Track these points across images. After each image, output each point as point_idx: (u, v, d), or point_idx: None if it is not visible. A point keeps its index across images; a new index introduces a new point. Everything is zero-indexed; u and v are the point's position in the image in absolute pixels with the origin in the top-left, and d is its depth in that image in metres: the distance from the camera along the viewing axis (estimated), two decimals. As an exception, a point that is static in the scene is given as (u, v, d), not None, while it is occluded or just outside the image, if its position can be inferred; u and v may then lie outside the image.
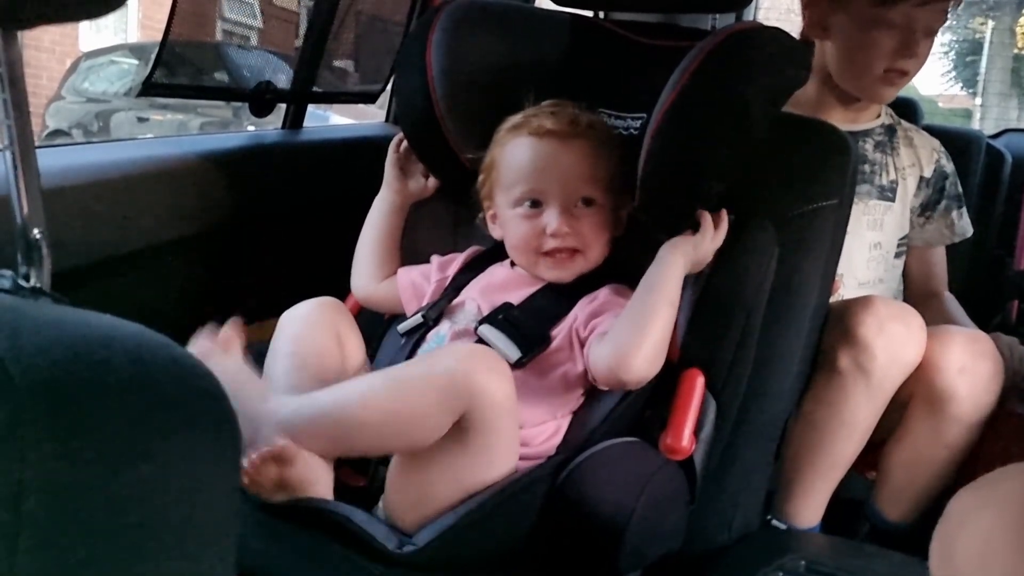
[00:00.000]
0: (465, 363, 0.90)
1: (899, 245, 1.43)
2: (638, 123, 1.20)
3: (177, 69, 1.42)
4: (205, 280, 1.38)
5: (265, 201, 1.47)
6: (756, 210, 1.07)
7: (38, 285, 0.62)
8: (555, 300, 1.08)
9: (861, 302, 1.18)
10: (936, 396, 1.18)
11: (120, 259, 1.21)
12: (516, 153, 1.11)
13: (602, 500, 0.90)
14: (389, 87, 1.79)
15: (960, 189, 1.48)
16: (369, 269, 1.25)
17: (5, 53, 0.59)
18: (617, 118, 1.23)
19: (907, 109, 1.62)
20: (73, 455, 0.37)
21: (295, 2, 1.76)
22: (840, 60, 1.37)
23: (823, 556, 1.01)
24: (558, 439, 1.02)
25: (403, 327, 1.15)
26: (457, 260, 1.20)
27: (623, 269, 1.10)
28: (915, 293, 1.47)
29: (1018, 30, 9.79)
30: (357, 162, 1.49)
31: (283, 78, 1.60)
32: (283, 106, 1.63)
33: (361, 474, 1.03)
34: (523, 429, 0.99)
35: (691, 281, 1.06)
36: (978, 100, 10.12)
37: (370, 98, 1.84)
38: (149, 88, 1.35)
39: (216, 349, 1.01)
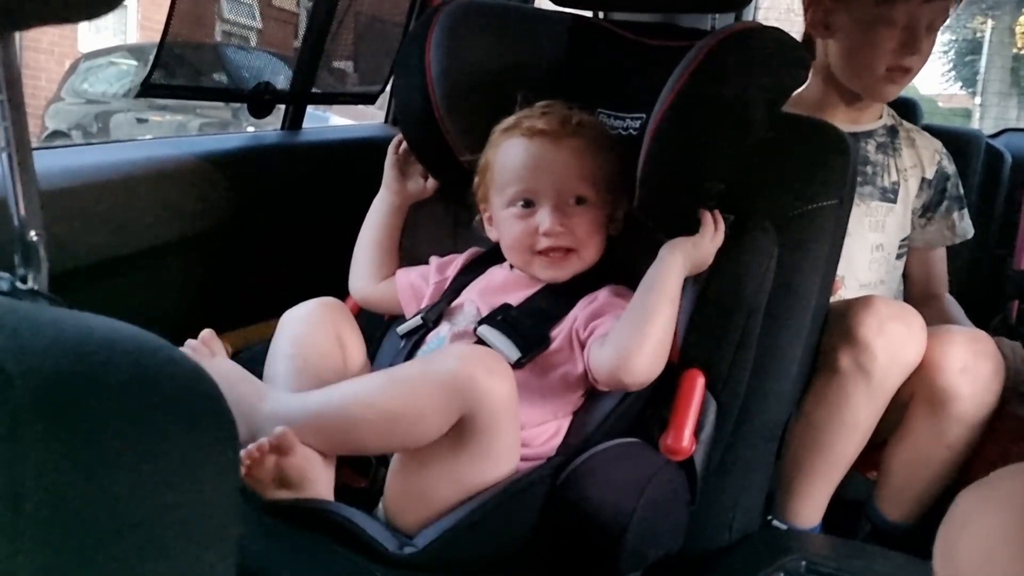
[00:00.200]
0: (466, 364, 0.89)
1: (900, 246, 1.43)
2: (637, 123, 1.20)
3: (176, 70, 1.42)
4: (204, 281, 1.38)
5: (264, 202, 1.47)
6: (756, 210, 1.07)
7: (36, 287, 0.61)
8: (554, 301, 1.08)
9: (861, 302, 1.18)
10: (938, 396, 1.18)
11: (118, 261, 1.21)
12: (509, 154, 1.11)
13: (602, 501, 0.90)
14: (388, 88, 1.79)
15: (961, 190, 1.48)
16: (368, 270, 1.25)
17: (1, 54, 0.59)
18: (616, 118, 1.23)
19: (906, 109, 1.62)
20: (73, 456, 0.37)
21: (294, 3, 1.76)
22: (843, 58, 1.37)
23: (824, 556, 1.01)
24: (558, 440, 1.02)
25: (402, 329, 1.15)
26: (456, 261, 1.20)
27: (622, 269, 1.10)
28: (915, 294, 1.47)
29: (1018, 29, 9.79)
30: (356, 163, 1.49)
31: (282, 79, 1.60)
32: (282, 107, 1.63)
33: (362, 475, 1.03)
34: (523, 430, 0.99)
35: (691, 281, 1.06)
36: (977, 100, 10.11)
37: (369, 99, 1.84)
38: (148, 89, 1.35)
39: (204, 351, 1.02)
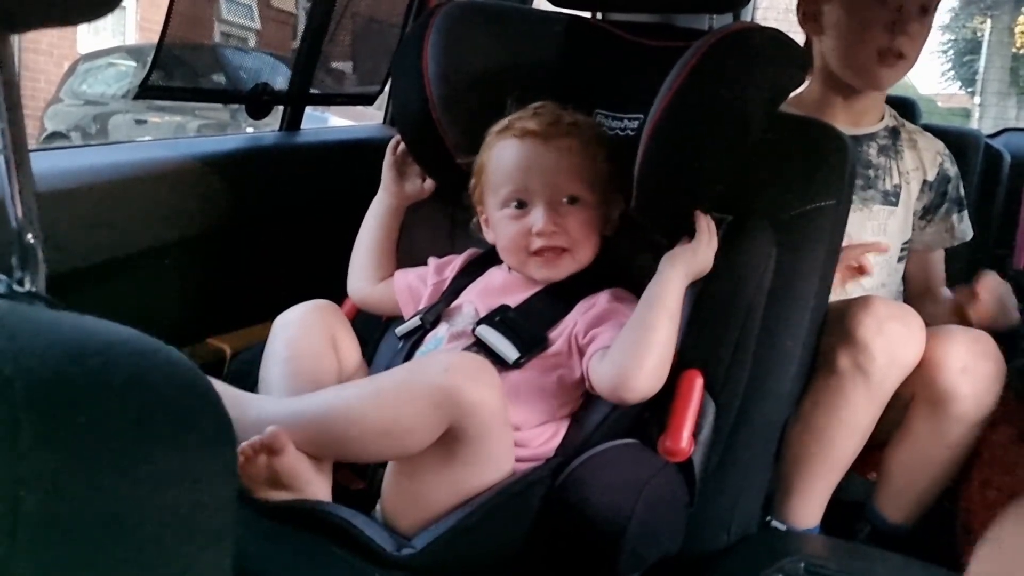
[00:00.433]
0: (452, 375, 0.89)
1: (902, 250, 1.43)
2: (635, 123, 1.20)
3: (174, 71, 1.42)
4: (203, 283, 1.37)
5: (262, 203, 1.47)
6: (754, 210, 1.06)
7: (33, 289, 0.61)
8: (553, 302, 1.08)
9: (860, 303, 1.18)
10: (938, 396, 1.18)
11: (117, 262, 1.20)
12: (502, 155, 1.11)
13: (601, 502, 0.90)
14: (387, 88, 1.79)
15: (962, 192, 1.47)
16: (366, 271, 1.25)
17: (-2, 56, 0.59)
18: (614, 119, 1.23)
19: (905, 108, 1.62)
20: (71, 458, 0.38)
21: (292, 4, 1.76)
22: (835, 48, 1.37)
23: (823, 558, 1.01)
24: (557, 441, 1.02)
25: (401, 330, 1.15)
26: (455, 263, 1.20)
27: (619, 269, 1.10)
28: (913, 295, 1.47)
29: (1016, 29, 9.80)
30: (354, 164, 1.49)
31: (280, 80, 1.60)
32: (281, 108, 1.63)
33: (360, 477, 1.03)
34: (522, 431, 0.99)
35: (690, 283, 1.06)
36: (977, 99, 10.12)
37: (367, 100, 1.84)
38: (146, 91, 1.35)
39: None
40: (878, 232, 1.39)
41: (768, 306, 1.05)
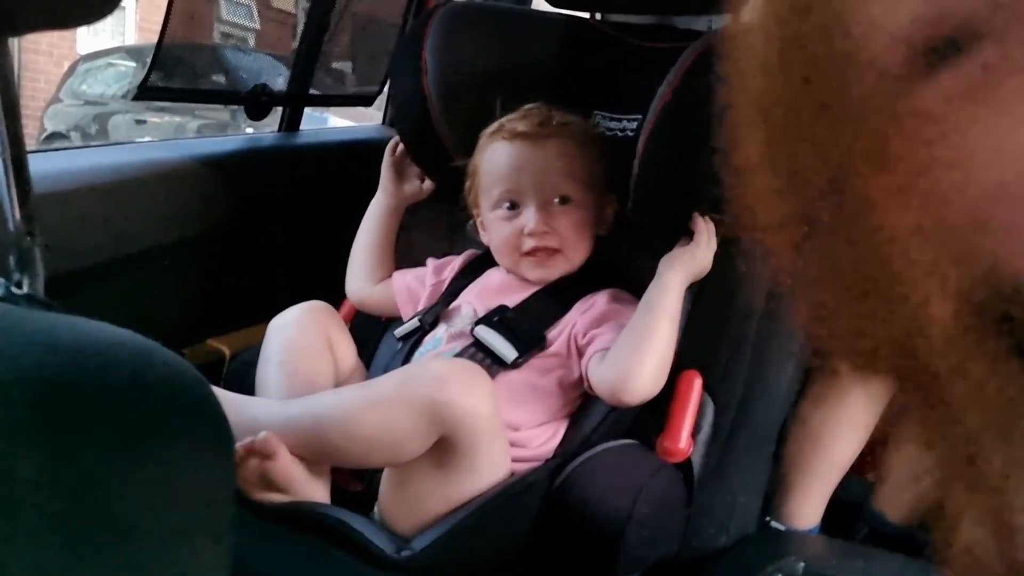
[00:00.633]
0: (444, 385, 0.89)
1: None
2: (635, 124, 1.20)
3: (173, 72, 1.41)
4: (202, 284, 1.37)
5: (261, 204, 1.47)
6: (753, 211, 1.06)
7: (31, 292, 0.61)
8: (551, 303, 1.08)
9: (859, 303, 1.18)
10: (936, 396, 1.18)
11: (115, 264, 1.20)
12: (494, 157, 1.11)
13: (599, 503, 0.90)
14: (386, 89, 1.79)
15: None
16: (364, 272, 1.25)
17: (-4, 58, 0.58)
18: (613, 120, 1.22)
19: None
20: (69, 460, 0.37)
21: (292, 4, 1.75)
22: None
23: (822, 558, 1.01)
24: (556, 442, 1.02)
25: (399, 331, 1.15)
26: (453, 264, 1.20)
27: (614, 269, 1.10)
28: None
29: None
30: (353, 165, 1.49)
31: (279, 81, 1.59)
32: (280, 109, 1.63)
33: (359, 479, 1.03)
34: (520, 431, 0.99)
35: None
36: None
37: (366, 100, 1.83)
38: (145, 92, 1.35)
39: None
40: None
41: (766, 306, 1.05)
